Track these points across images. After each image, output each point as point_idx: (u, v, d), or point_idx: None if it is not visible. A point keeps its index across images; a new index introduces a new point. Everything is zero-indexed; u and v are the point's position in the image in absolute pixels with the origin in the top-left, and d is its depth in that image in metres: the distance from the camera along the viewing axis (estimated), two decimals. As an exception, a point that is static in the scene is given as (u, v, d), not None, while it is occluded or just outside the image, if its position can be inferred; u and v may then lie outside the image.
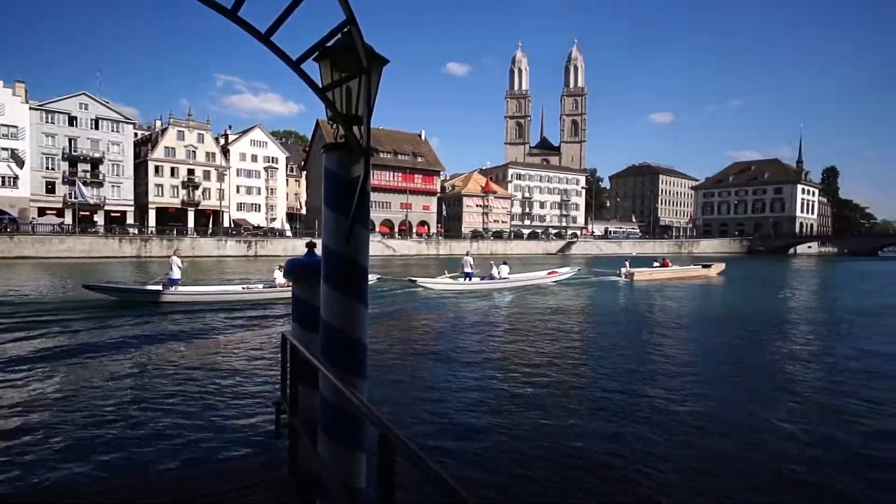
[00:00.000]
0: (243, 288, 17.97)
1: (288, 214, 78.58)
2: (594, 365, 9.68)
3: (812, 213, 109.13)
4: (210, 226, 64.49)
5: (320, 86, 2.33)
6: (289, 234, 66.48)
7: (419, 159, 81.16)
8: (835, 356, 10.62)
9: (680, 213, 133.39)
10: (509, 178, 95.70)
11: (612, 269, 32.88)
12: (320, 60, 2.40)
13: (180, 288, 16.27)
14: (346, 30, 2.14)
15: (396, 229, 75.90)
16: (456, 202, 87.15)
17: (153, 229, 57.69)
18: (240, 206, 72.31)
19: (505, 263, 24.31)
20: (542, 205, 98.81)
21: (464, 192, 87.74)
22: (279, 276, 17.87)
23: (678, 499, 4.70)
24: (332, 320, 2.53)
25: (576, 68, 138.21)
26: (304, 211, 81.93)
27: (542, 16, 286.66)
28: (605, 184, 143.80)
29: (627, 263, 30.07)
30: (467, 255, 23.82)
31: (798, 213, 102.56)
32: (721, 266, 34.05)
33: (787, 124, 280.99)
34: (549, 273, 26.56)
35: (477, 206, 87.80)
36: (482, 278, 22.65)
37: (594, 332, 13.71)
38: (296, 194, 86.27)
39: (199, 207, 67.80)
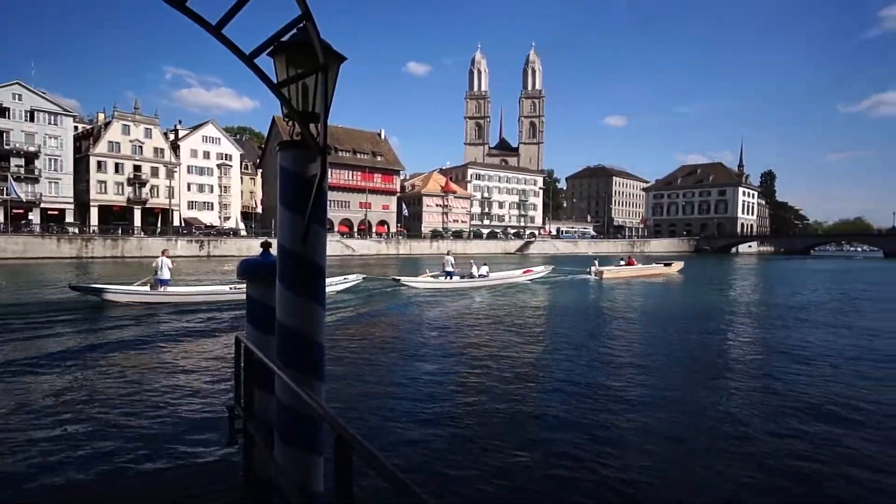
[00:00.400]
0: (231, 288, 17.76)
1: (243, 213, 76.22)
2: (564, 362, 9.86)
3: (752, 214, 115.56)
4: (159, 225, 61.71)
5: (275, 81, 2.28)
6: (244, 233, 64.49)
7: (379, 158, 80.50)
8: (791, 349, 11.17)
9: (633, 213, 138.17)
10: (469, 178, 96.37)
11: (573, 267, 34.08)
12: (275, 56, 2.34)
13: (169, 288, 16.07)
14: (301, 25, 2.09)
15: (356, 229, 75.03)
16: (416, 202, 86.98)
17: (95, 228, 54.59)
18: (191, 205, 69.47)
19: (485, 264, 25.14)
20: (501, 205, 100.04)
21: (424, 191, 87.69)
22: None
23: (638, 490, 4.87)
24: (288, 321, 2.49)
25: (534, 71, 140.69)
26: (259, 210, 79.68)
27: (501, 18, 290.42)
28: (562, 184, 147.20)
29: (597, 262, 31.19)
30: (448, 254, 24.39)
31: (740, 214, 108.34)
32: (680, 264, 36.17)
33: (730, 130, 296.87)
34: (524, 272, 27.37)
35: (437, 205, 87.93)
36: (462, 277, 23.27)
37: (567, 328, 14.03)
38: (251, 192, 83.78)
39: (147, 206, 64.69)
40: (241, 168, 77.48)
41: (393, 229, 79.35)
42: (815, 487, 4.90)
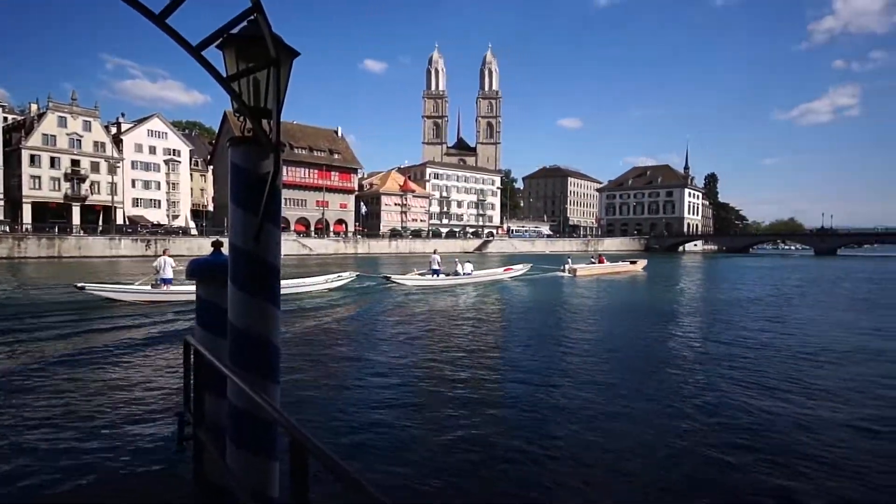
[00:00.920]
0: None
1: (193, 211, 73.26)
2: (535, 357, 10.14)
3: (697, 214, 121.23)
4: (100, 223, 58.41)
5: (224, 75, 2.20)
6: (194, 232, 61.96)
7: (336, 156, 79.22)
8: (744, 339, 11.87)
9: (587, 213, 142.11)
10: (427, 177, 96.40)
11: (537, 265, 35.37)
12: (224, 48, 2.26)
13: (172, 287, 16.14)
14: (252, 17, 2.03)
15: (313, 228, 73.57)
16: (374, 200, 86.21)
17: (29, 227, 51.06)
18: (136, 202, 66.17)
19: (468, 262, 26.44)
20: (459, 204, 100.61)
21: (382, 190, 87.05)
22: None
23: (596, 490, 4.99)
24: (241, 323, 2.42)
25: (490, 72, 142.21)
26: (211, 208, 76.78)
27: (458, 18, 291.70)
28: (520, 184, 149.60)
29: (570, 261, 32.98)
30: (434, 253, 25.61)
31: (686, 214, 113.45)
32: (644, 262, 38.95)
33: (676, 134, 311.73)
34: (505, 270, 28.95)
35: (395, 204, 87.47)
36: (447, 275, 24.44)
37: (544, 322, 14.72)
38: (202, 190, 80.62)
39: (87, 203, 61.09)
40: (190, 164, 74.47)
41: (351, 228, 78.35)
42: (757, 464, 5.22)
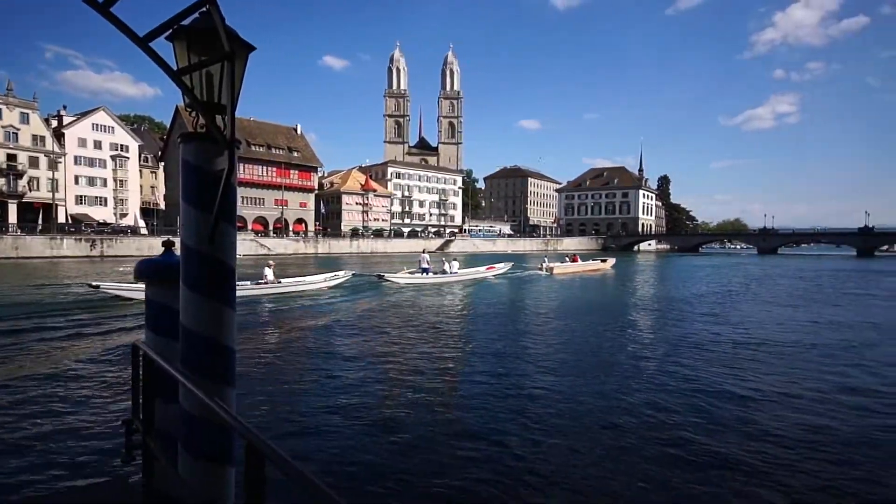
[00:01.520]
0: (251, 283, 18.57)
1: (143, 210, 69.95)
2: (510, 352, 10.38)
3: (651, 214, 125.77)
4: (40, 222, 54.95)
5: (175, 68, 2.12)
6: (144, 231, 59.26)
7: (295, 154, 77.54)
8: (702, 334, 12.49)
9: (547, 213, 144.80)
10: (389, 176, 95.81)
11: (515, 263, 36.44)
12: (174, 40, 2.17)
13: None
14: (204, 10, 1.96)
15: (271, 227, 71.75)
16: (335, 199, 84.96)
17: (-42, 226, 47.49)
18: (80, 200, 62.64)
19: (455, 260, 28.28)
20: (421, 203, 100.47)
21: (343, 189, 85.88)
22: (269, 274, 19.15)
23: (563, 490, 5.09)
24: (194, 325, 2.33)
25: (452, 72, 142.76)
26: (162, 206, 73.62)
27: (419, 18, 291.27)
28: (481, 184, 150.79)
29: (546, 259, 35.95)
30: (424, 252, 27.70)
31: (641, 214, 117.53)
32: (613, 261, 42.16)
33: (631, 137, 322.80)
34: (488, 268, 30.88)
35: (357, 203, 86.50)
36: (435, 273, 26.25)
37: (521, 318, 15.32)
38: (152, 187, 77.14)
39: (25, 200, 57.35)
40: (140, 160, 71.11)
41: (311, 228, 76.88)
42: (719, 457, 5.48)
